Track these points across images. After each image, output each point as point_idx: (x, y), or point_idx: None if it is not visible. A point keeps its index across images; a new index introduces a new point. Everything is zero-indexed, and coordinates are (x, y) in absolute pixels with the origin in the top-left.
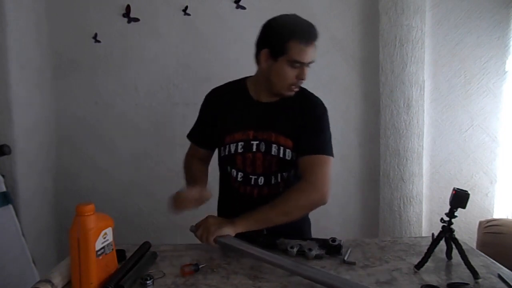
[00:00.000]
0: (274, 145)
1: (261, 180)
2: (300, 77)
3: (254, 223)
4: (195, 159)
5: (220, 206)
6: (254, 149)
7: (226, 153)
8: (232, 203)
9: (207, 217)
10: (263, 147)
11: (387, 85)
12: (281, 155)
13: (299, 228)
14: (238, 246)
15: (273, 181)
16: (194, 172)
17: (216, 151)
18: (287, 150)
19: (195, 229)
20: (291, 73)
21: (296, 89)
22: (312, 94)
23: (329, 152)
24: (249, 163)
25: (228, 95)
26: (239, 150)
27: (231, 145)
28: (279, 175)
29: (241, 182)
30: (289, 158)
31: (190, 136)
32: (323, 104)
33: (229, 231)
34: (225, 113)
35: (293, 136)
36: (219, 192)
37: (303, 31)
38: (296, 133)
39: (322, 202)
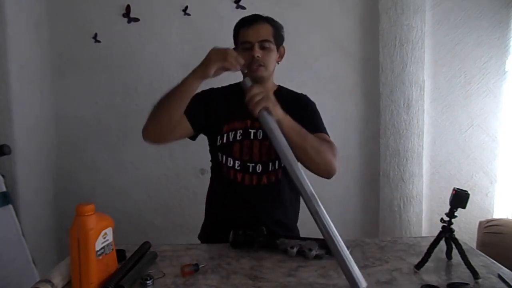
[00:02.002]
0: None
1: (259, 168)
2: (251, 54)
3: (294, 129)
4: None
5: (212, 198)
6: (252, 137)
7: (224, 141)
8: (227, 195)
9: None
10: (260, 135)
11: (387, 85)
12: None
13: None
14: (271, 131)
15: (270, 168)
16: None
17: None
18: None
19: (250, 85)
20: (245, 54)
21: (258, 67)
22: (301, 93)
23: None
24: (246, 150)
25: (226, 91)
26: (238, 138)
27: (230, 133)
28: (277, 162)
29: (239, 170)
30: None
31: None
32: (311, 100)
33: (280, 113)
34: (221, 105)
35: None
36: (211, 185)
37: (245, 19)
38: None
39: (333, 169)
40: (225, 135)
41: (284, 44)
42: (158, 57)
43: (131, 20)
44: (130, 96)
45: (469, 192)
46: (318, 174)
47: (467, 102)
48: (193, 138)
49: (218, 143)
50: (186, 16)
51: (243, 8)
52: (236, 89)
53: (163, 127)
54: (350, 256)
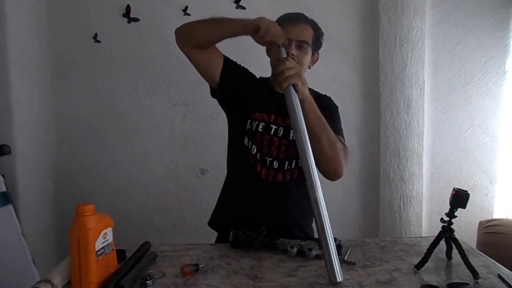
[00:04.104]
0: (292, 131)
1: (275, 164)
2: (287, 50)
3: (316, 114)
4: None
5: (231, 183)
6: (272, 133)
7: (248, 128)
8: (248, 181)
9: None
10: (281, 132)
11: (387, 85)
12: None
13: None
14: (294, 109)
15: (286, 167)
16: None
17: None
18: None
19: (285, 57)
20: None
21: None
22: (325, 94)
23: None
24: (266, 144)
25: (260, 82)
26: (260, 129)
27: (254, 122)
28: (293, 162)
29: (258, 161)
30: None
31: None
32: (335, 103)
33: (306, 94)
34: (254, 93)
35: None
36: (230, 170)
37: (290, 15)
38: None
39: (340, 171)
40: (251, 123)
41: None
42: (158, 57)
43: (131, 20)
44: (130, 96)
45: (469, 192)
46: (325, 172)
47: (467, 102)
48: (213, 91)
49: (248, 127)
50: (186, 16)
51: (243, 8)
52: (266, 82)
53: (194, 37)
54: (336, 252)
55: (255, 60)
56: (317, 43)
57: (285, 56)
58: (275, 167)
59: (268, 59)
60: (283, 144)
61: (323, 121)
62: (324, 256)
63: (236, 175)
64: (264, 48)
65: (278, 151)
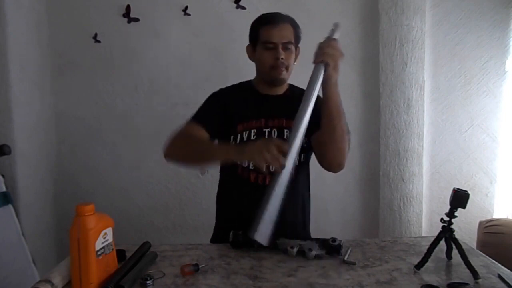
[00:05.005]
0: (286, 130)
1: (272, 167)
2: (276, 56)
3: (336, 100)
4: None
5: (225, 200)
6: (266, 136)
7: (238, 141)
8: (241, 196)
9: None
10: (275, 134)
11: (387, 85)
12: None
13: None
14: (312, 87)
15: None
16: (200, 139)
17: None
18: None
19: (334, 38)
20: (267, 55)
21: (281, 70)
22: None
23: None
24: None
25: (237, 91)
26: (252, 137)
27: (244, 132)
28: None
29: (253, 170)
30: (301, 143)
31: (196, 118)
32: None
33: (335, 78)
34: (236, 105)
35: None
36: (222, 186)
37: (268, 17)
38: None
39: (344, 162)
40: (239, 135)
41: None
42: (158, 57)
43: (131, 20)
44: (130, 96)
45: (469, 192)
46: (330, 163)
47: (467, 102)
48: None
49: (232, 143)
50: (186, 16)
51: (243, 8)
52: (248, 86)
53: (182, 160)
54: (272, 217)
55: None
56: (297, 39)
57: (335, 38)
58: (272, 170)
59: None
60: None
61: (341, 110)
62: (258, 215)
63: (230, 192)
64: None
65: None
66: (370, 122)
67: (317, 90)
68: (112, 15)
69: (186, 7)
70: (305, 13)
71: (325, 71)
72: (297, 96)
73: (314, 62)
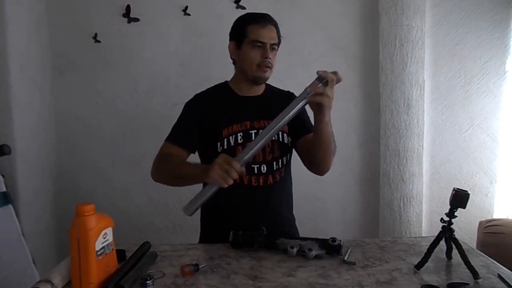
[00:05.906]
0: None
1: (263, 168)
2: (264, 55)
3: (329, 133)
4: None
5: (214, 205)
6: (253, 138)
7: (225, 147)
8: (232, 199)
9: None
10: None
11: (387, 85)
12: (280, 139)
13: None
14: (291, 109)
15: (275, 167)
16: (179, 161)
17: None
18: (284, 134)
19: (327, 87)
20: (255, 53)
21: (267, 69)
22: (288, 90)
23: None
24: None
25: (213, 95)
26: (239, 141)
27: (230, 137)
28: (280, 160)
29: (244, 173)
30: (287, 142)
31: (171, 138)
32: None
33: (328, 116)
34: (215, 110)
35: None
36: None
37: (257, 16)
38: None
39: (328, 170)
40: (226, 140)
41: (284, 44)
42: (158, 57)
43: (131, 20)
44: (130, 96)
45: (469, 192)
46: (316, 171)
47: (467, 102)
48: None
49: (220, 150)
50: (186, 16)
51: (243, 8)
52: (225, 88)
53: (166, 183)
54: (206, 194)
55: None
56: (279, 42)
57: (326, 87)
58: (263, 171)
59: None
60: (268, 145)
61: (331, 140)
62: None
63: (219, 197)
64: None
65: (264, 154)
66: (370, 122)
67: (292, 114)
68: (112, 15)
69: (186, 7)
70: (305, 13)
71: (320, 112)
72: (275, 94)
73: (309, 101)
